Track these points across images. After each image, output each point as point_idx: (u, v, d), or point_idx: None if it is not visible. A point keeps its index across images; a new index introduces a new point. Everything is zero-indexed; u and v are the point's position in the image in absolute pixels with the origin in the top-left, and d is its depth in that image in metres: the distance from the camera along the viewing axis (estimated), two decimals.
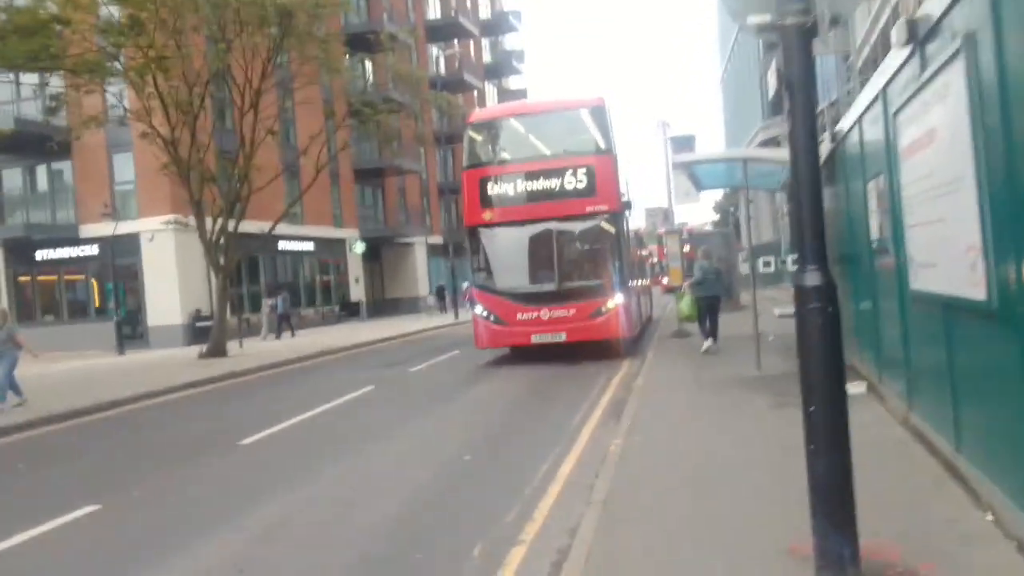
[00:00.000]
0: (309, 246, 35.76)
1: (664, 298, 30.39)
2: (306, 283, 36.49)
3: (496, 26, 58.22)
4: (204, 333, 26.81)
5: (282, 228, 33.58)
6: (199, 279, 28.32)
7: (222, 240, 21.50)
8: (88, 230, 28.09)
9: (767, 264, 13.15)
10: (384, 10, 40.31)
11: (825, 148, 9.92)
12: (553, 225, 13.89)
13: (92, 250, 28.26)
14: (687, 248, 20.62)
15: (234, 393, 13.98)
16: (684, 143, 15.66)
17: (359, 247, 38.21)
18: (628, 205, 14.34)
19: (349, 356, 19.65)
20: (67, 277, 29.74)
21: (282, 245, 33.63)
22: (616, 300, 13.63)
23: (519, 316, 13.81)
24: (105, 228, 26.78)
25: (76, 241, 28.52)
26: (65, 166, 29.13)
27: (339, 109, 25.13)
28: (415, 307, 42.54)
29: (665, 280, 29.33)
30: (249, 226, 27.57)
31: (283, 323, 26.85)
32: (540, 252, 14.04)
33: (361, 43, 28.82)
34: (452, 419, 9.49)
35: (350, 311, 37.85)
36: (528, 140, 14.40)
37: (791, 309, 11.36)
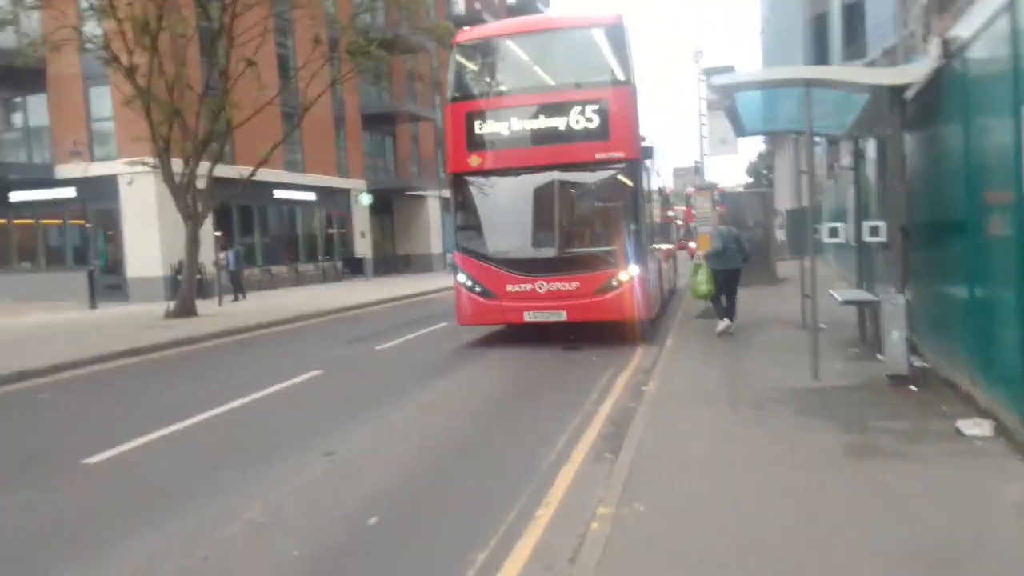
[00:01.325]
0: (310, 196, 33.26)
1: (690, 265, 27.53)
2: (306, 236, 34.08)
3: None
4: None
5: (280, 176, 31.21)
6: (183, 228, 25.96)
7: (195, 185, 19.02)
8: (65, 171, 25.76)
9: (833, 233, 10.34)
10: None
11: (915, 74, 7.08)
12: (555, 175, 11.15)
13: (69, 192, 25.99)
14: (719, 209, 17.76)
15: (158, 369, 11.60)
16: (721, 76, 12.73)
17: (365, 199, 35.63)
18: (648, 152, 11.49)
19: (322, 323, 17.19)
20: (44, 221, 27.55)
21: (278, 194, 31.19)
22: (630, 272, 10.92)
23: (510, 288, 11.17)
24: (81, 169, 24.50)
25: (52, 183, 26.23)
26: (40, 100, 26.74)
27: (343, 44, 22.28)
28: (428, 264, 40.06)
29: (693, 245, 26.56)
30: (235, 172, 25.14)
31: (235, 282, 24.05)
32: (538, 208, 11.34)
33: None
34: (386, 436, 6.88)
35: (354, 268, 35.43)
36: (527, 67, 11.57)
37: (859, 295, 8.07)
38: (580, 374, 9.19)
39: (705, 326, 11.89)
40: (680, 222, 24.48)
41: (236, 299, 23.16)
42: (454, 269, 11.63)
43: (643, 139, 11.33)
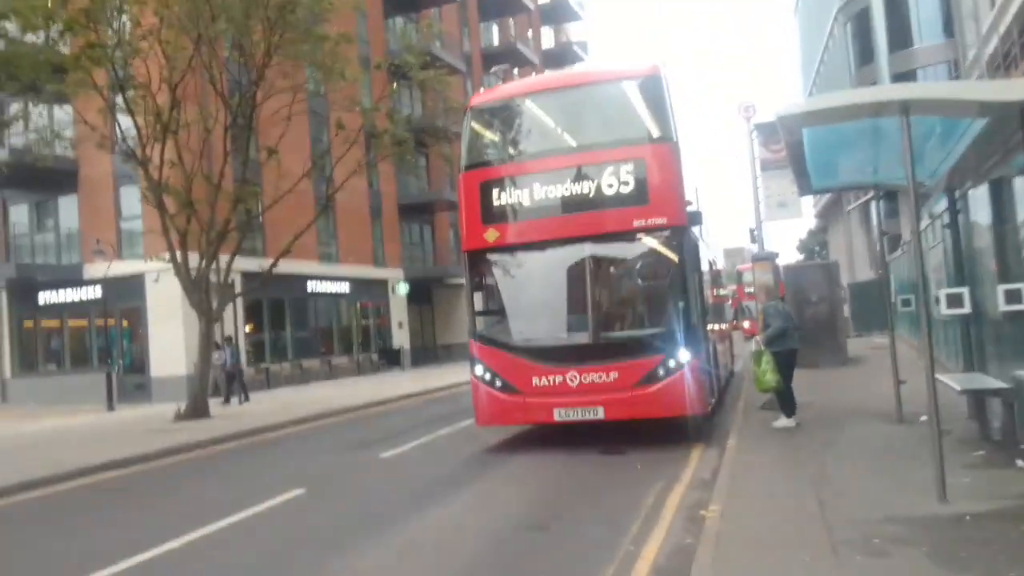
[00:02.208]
0: (344, 287, 32.27)
1: (746, 345, 25.24)
2: (341, 328, 32.91)
3: (557, 12, 54.39)
4: (212, 386, 23.45)
5: (313, 268, 30.40)
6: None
7: (216, 279, 17.96)
8: (93, 270, 25.22)
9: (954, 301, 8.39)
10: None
11: None
12: (586, 248, 9.52)
13: (96, 293, 25.33)
14: (766, 283, 15.86)
15: (125, 488, 10.00)
16: (775, 132, 11.12)
17: (402, 288, 34.56)
18: (696, 218, 9.82)
19: (337, 423, 15.53)
20: (71, 322, 26.91)
21: (312, 286, 30.25)
22: (680, 357, 9.09)
23: (536, 381, 9.41)
24: (110, 268, 23.88)
25: (79, 282, 25.70)
26: (71, 201, 26.55)
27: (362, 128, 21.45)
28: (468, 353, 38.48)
29: (747, 325, 24.52)
30: (260, 264, 24.20)
31: (232, 382, 21.49)
32: (567, 287, 9.67)
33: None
34: None
35: (390, 359, 34.01)
36: (551, 128, 10.15)
37: (982, 381, 6.10)
38: (620, 490, 7.27)
39: (771, 423, 9.87)
40: (731, 300, 22.53)
41: (230, 401, 21.13)
42: (471, 361, 9.93)
43: (689, 203, 9.70)
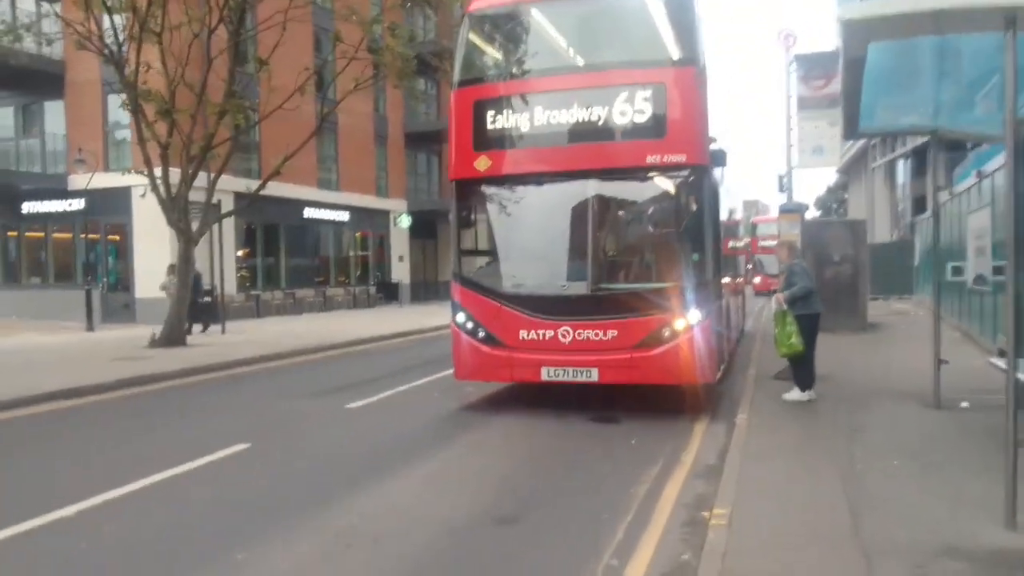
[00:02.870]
0: (343, 216, 31.02)
1: (756, 301, 23.84)
2: (338, 259, 31.82)
3: None
4: (200, 310, 22.46)
5: (311, 194, 29.06)
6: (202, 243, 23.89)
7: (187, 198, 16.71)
8: (78, 181, 23.98)
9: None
10: None
11: None
12: (590, 185, 8.22)
13: (81, 205, 24.14)
14: (790, 239, 14.45)
15: (71, 423, 9.01)
16: (818, 64, 9.61)
17: (404, 221, 33.22)
18: (720, 158, 8.44)
19: (316, 361, 14.52)
20: (55, 235, 25.83)
21: (309, 213, 29.00)
22: (689, 318, 7.90)
23: (523, 335, 8.25)
24: (95, 179, 22.65)
25: (64, 193, 24.50)
26: (58, 107, 25.14)
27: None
28: None
29: (757, 281, 23.22)
30: (269, 188, 22.97)
31: (195, 311, 19.36)
32: (565, 229, 8.42)
33: None
34: None
35: (388, 294, 32.96)
36: (559, 43, 8.74)
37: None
38: (610, 474, 6.17)
39: (786, 391, 8.73)
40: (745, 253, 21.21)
41: (189, 331, 18.88)
42: (452, 307, 8.76)
43: (713, 140, 8.34)
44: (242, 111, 16.93)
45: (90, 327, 21.55)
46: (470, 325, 8.54)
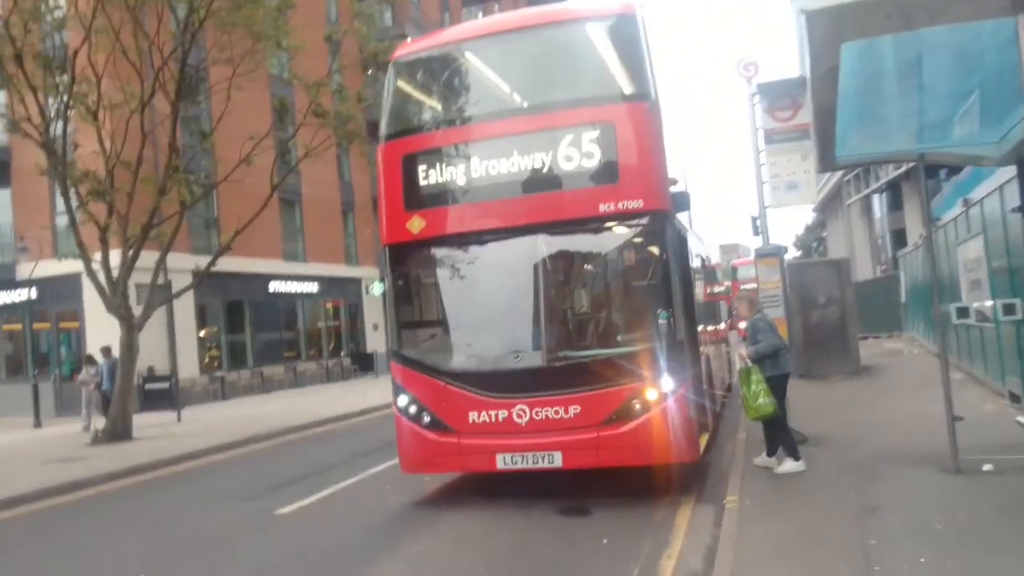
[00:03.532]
0: (312, 287, 29.98)
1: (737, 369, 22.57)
2: (309, 332, 30.60)
3: None
4: (158, 397, 21.22)
5: (277, 267, 28.05)
6: (152, 330, 22.68)
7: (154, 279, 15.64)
8: (27, 270, 22.85)
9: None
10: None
11: None
12: (539, 241, 7.23)
13: (31, 294, 22.96)
14: (748, 292, 13.37)
15: None
16: (783, 93, 8.80)
17: (377, 288, 32.07)
18: (683, 201, 7.47)
19: (262, 451, 13.24)
20: (4, 327, 24.55)
21: (275, 286, 27.94)
22: (663, 386, 6.82)
23: (473, 417, 7.13)
24: (45, 267, 21.58)
25: (12, 284, 23.35)
26: (5, 194, 24.20)
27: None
28: None
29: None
30: (228, 265, 21.98)
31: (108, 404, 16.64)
32: (514, 294, 7.39)
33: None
34: None
35: (363, 364, 31.69)
36: (493, 84, 7.84)
37: None
38: None
39: (776, 463, 7.61)
40: (727, 297, 20.23)
41: (88, 427, 16.79)
42: (393, 388, 7.63)
43: (674, 182, 7.40)
44: (186, 185, 15.99)
45: (38, 423, 20.18)
46: (413, 409, 7.42)
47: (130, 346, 15.75)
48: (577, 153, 7.03)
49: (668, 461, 6.93)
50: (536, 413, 6.96)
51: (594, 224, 7.07)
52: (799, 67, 6.87)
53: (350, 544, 6.69)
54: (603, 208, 6.93)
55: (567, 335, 7.26)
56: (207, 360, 25.72)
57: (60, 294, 22.60)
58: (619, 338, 7.24)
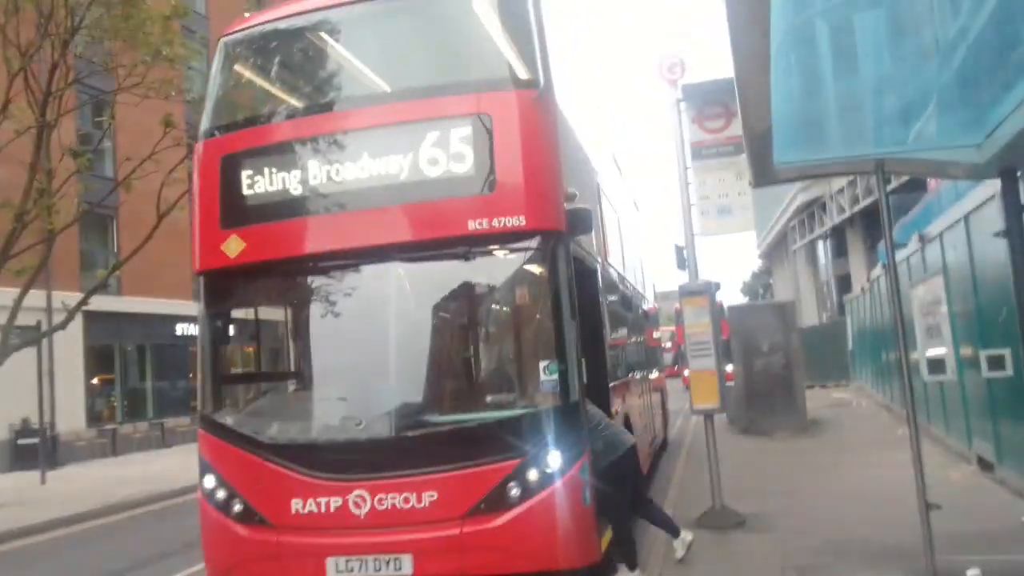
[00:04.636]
0: None
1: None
2: None
3: None
4: (32, 454, 18.64)
5: (186, 308, 25.69)
6: (28, 376, 20.17)
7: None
8: None
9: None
10: None
11: None
12: (391, 270, 5.50)
13: None
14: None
15: None
16: (714, 98, 7.31)
17: None
18: (581, 220, 5.75)
19: (111, 526, 11.08)
20: None
21: (182, 329, 25.54)
22: (550, 461, 5.05)
23: (297, 506, 5.25)
24: None
25: None
26: None
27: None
28: None
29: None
30: (123, 304, 19.74)
31: None
32: (357, 339, 5.62)
33: None
34: None
35: None
36: (341, 67, 6.12)
37: None
38: None
39: (727, 551, 5.89)
40: (667, 345, 18.80)
41: None
42: (200, 466, 5.70)
43: (572, 196, 5.72)
44: (47, 212, 13.90)
45: None
46: (221, 494, 5.50)
47: None
48: (443, 154, 5.33)
49: (555, 567, 5.11)
50: (379, 501, 5.12)
51: (462, 247, 5.34)
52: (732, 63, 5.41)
53: None
54: (473, 226, 5.22)
55: (423, 395, 5.44)
56: (103, 410, 23.18)
57: None
58: (491, 399, 5.46)
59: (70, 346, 21.27)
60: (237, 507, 5.42)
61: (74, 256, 21.83)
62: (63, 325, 15.20)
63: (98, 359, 23.10)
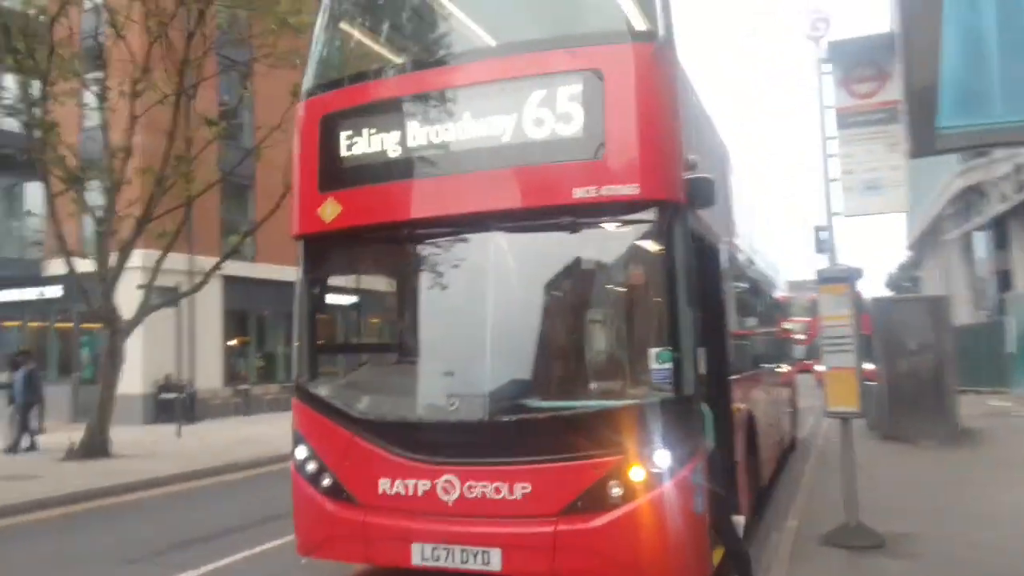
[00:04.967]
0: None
1: (813, 397, 19.36)
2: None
3: None
4: (172, 408, 19.87)
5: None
6: (171, 336, 21.47)
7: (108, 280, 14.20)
8: (55, 266, 22.06)
9: None
10: None
11: None
12: (491, 240, 5.07)
13: (55, 291, 22.11)
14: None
15: None
16: (865, 57, 6.33)
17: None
18: (703, 191, 5.10)
19: (226, 484, 11.40)
20: (31, 324, 23.83)
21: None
22: (657, 460, 4.50)
23: (384, 486, 4.98)
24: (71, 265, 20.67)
25: (38, 280, 22.59)
26: (38, 188, 23.55)
27: None
28: None
29: (821, 369, 19.25)
30: (257, 270, 20.69)
31: (23, 419, 14.88)
32: (450, 313, 5.25)
33: None
34: None
35: None
36: (451, 22, 5.72)
37: None
38: None
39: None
40: (802, 337, 17.47)
41: (19, 446, 14.92)
42: (293, 436, 5.54)
43: (692, 164, 5.08)
44: (186, 177, 14.55)
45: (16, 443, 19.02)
46: (311, 466, 5.32)
47: (113, 352, 14.31)
48: (550, 114, 4.84)
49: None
50: (469, 489, 4.76)
51: (569, 217, 4.83)
52: (889, 20, 4.56)
53: None
54: (580, 193, 4.71)
55: (521, 378, 4.99)
56: (239, 371, 24.34)
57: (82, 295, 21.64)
58: (595, 387, 4.96)
59: (210, 309, 22.48)
60: (326, 481, 5.22)
61: (214, 223, 22.92)
62: (199, 287, 15.94)
63: (235, 322, 24.25)
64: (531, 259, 5.13)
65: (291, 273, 18.38)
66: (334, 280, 5.71)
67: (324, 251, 5.60)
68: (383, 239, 5.38)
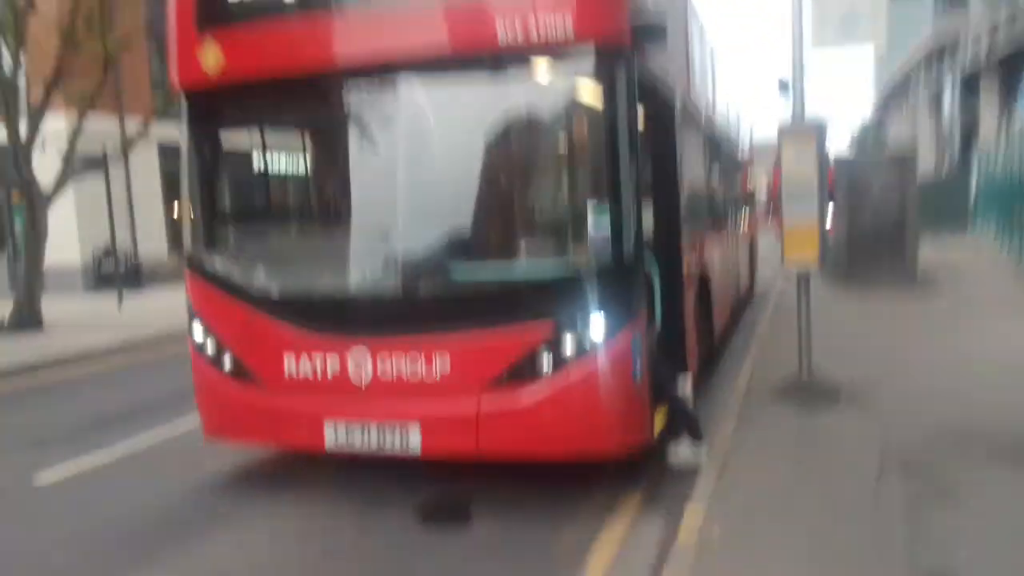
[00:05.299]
0: None
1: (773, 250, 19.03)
2: None
3: None
4: (112, 279, 19.08)
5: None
6: (107, 204, 20.32)
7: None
8: None
9: None
10: None
11: None
12: (403, 89, 4.32)
13: None
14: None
15: None
16: None
17: None
18: (651, 32, 4.34)
19: (135, 364, 10.74)
20: None
21: None
22: (591, 328, 4.03)
23: (290, 365, 4.48)
24: None
25: None
26: None
27: None
28: None
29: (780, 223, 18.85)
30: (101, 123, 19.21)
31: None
32: (359, 173, 4.59)
33: None
34: None
35: None
36: None
37: None
38: None
39: (799, 432, 4.93)
40: (764, 193, 17.04)
41: None
42: (189, 313, 4.96)
43: (638, 1, 4.28)
44: (103, 30, 13.10)
45: None
46: (210, 347, 4.79)
47: (33, 224, 13.40)
48: None
49: (594, 452, 4.22)
50: (384, 364, 4.29)
51: (493, 60, 4.10)
52: None
53: (110, 543, 4.27)
54: (503, 35, 3.95)
55: (438, 243, 4.40)
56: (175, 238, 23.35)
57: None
58: (521, 249, 4.39)
59: (149, 174, 21.27)
60: (227, 362, 4.71)
61: (144, 80, 21.26)
62: (124, 152, 14.84)
63: (176, 188, 23.05)
64: (449, 110, 4.42)
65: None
66: (226, 138, 4.93)
67: (208, 106, 4.79)
68: (278, 93, 4.56)
